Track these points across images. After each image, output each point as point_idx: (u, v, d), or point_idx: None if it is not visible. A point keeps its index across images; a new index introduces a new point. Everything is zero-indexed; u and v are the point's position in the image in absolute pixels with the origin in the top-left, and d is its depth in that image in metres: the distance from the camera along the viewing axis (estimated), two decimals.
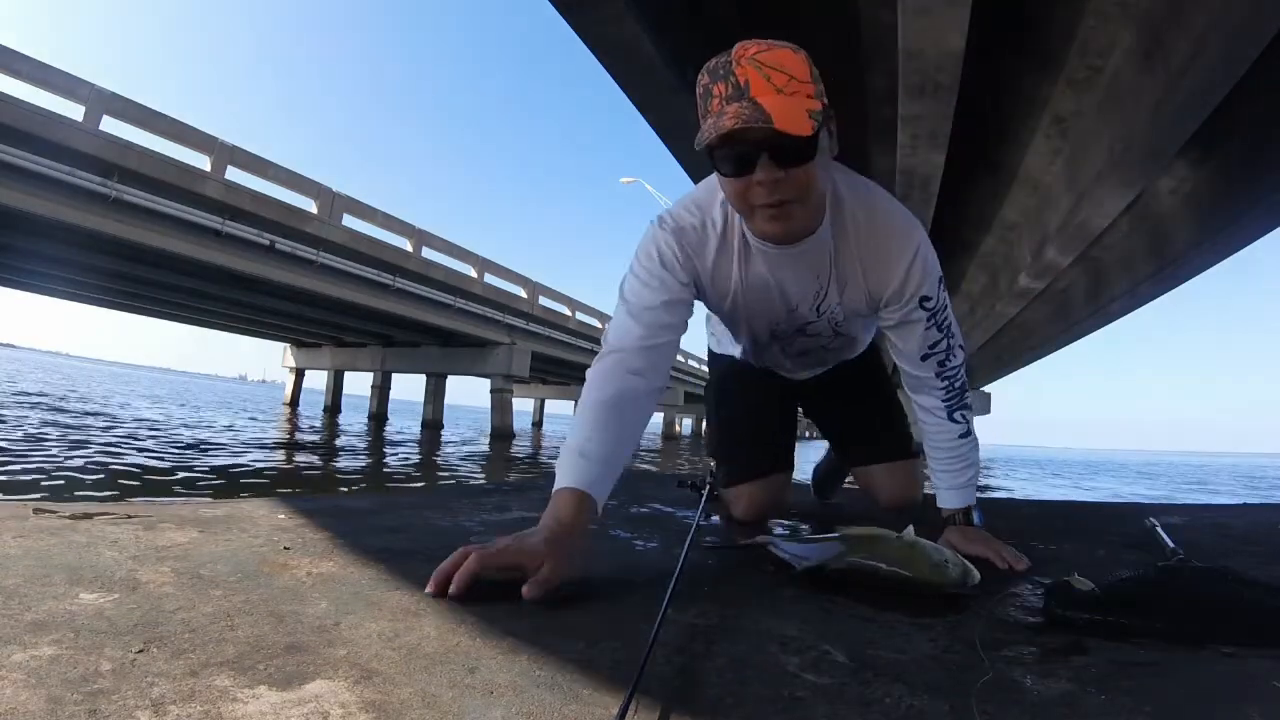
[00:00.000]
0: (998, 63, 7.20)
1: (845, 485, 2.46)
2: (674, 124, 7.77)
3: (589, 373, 1.39)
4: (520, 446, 21.62)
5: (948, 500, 1.60)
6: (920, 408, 1.62)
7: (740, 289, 1.51)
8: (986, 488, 17.10)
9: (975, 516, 1.58)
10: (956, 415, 1.56)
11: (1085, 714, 0.75)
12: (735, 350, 2.02)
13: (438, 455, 16.07)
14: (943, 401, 1.56)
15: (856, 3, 6.64)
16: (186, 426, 16.72)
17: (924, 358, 1.52)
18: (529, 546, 1.08)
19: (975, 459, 1.60)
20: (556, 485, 1.24)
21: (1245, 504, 3.17)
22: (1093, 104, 7.69)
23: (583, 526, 1.20)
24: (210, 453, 11.58)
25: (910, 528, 1.31)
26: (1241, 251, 10.27)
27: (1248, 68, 5.34)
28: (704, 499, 1.62)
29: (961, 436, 1.57)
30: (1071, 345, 19.14)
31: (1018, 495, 14.72)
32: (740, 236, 1.44)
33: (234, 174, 15.36)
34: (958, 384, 1.56)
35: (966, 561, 1.23)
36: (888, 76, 6.74)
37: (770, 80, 1.13)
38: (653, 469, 16.42)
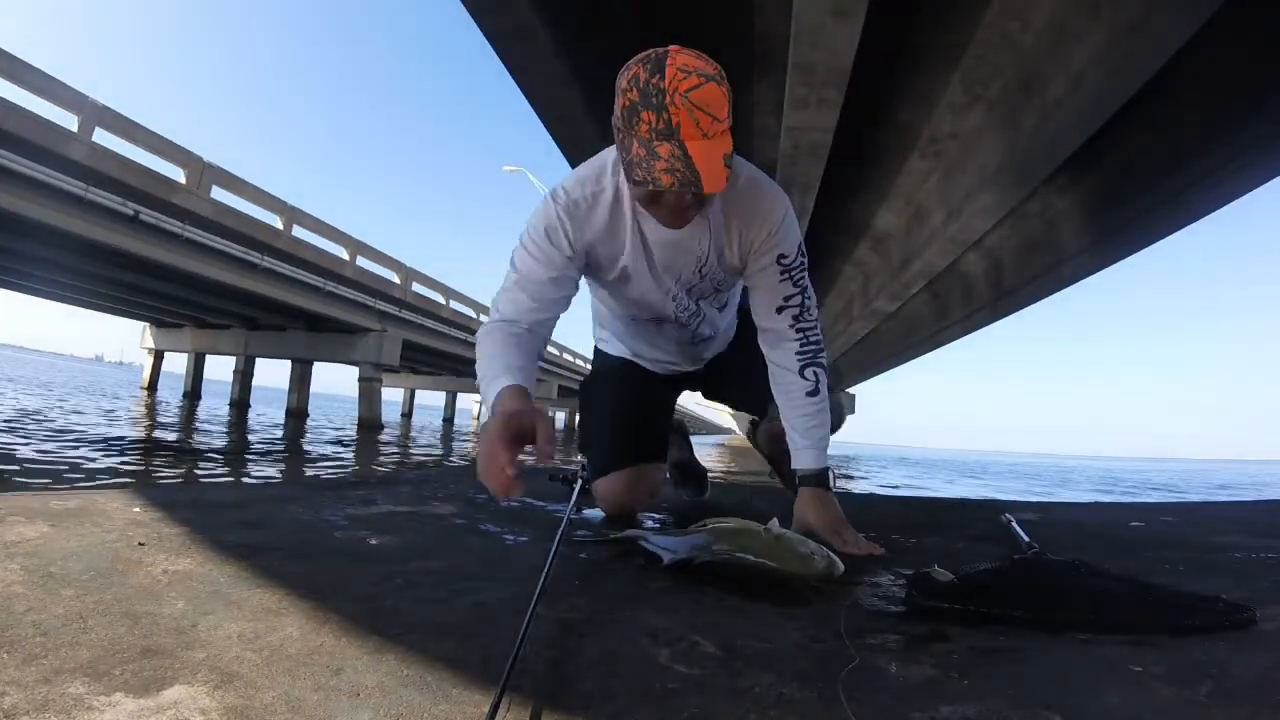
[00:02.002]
0: (880, 82, 7.51)
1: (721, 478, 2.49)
2: (561, 117, 7.76)
3: (481, 333, 1.52)
4: (389, 438, 21.06)
5: (800, 459, 1.65)
6: (774, 364, 1.69)
7: (631, 255, 1.60)
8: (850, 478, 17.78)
9: (830, 479, 1.65)
10: (807, 372, 1.63)
11: (948, 698, 0.78)
12: (623, 350, 2.08)
13: (302, 446, 15.47)
14: (796, 355, 1.63)
15: (752, 15, 6.81)
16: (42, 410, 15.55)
17: (779, 309, 1.62)
18: (520, 419, 1.22)
19: (826, 420, 1.66)
20: (495, 389, 1.35)
21: (1097, 502, 3.40)
22: (970, 128, 8.14)
23: (531, 404, 1.32)
24: (64, 439, 10.81)
25: (775, 520, 1.35)
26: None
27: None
28: (575, 493, 1.62)
29: (809, 394, 1.63)
30: (948, 350, 20.26)
31: (881, 493, 15.33)
32: (632, 206, 1.53)
33: (101, 136, 14.25)
34: (812, 339, 1.64)
35: (831, 553, 1.27)
36: (776, 88, 6.93)
37: (699, 125, 1.21)
38: (524, 462, 16.29)
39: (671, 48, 1.27)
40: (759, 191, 1.57)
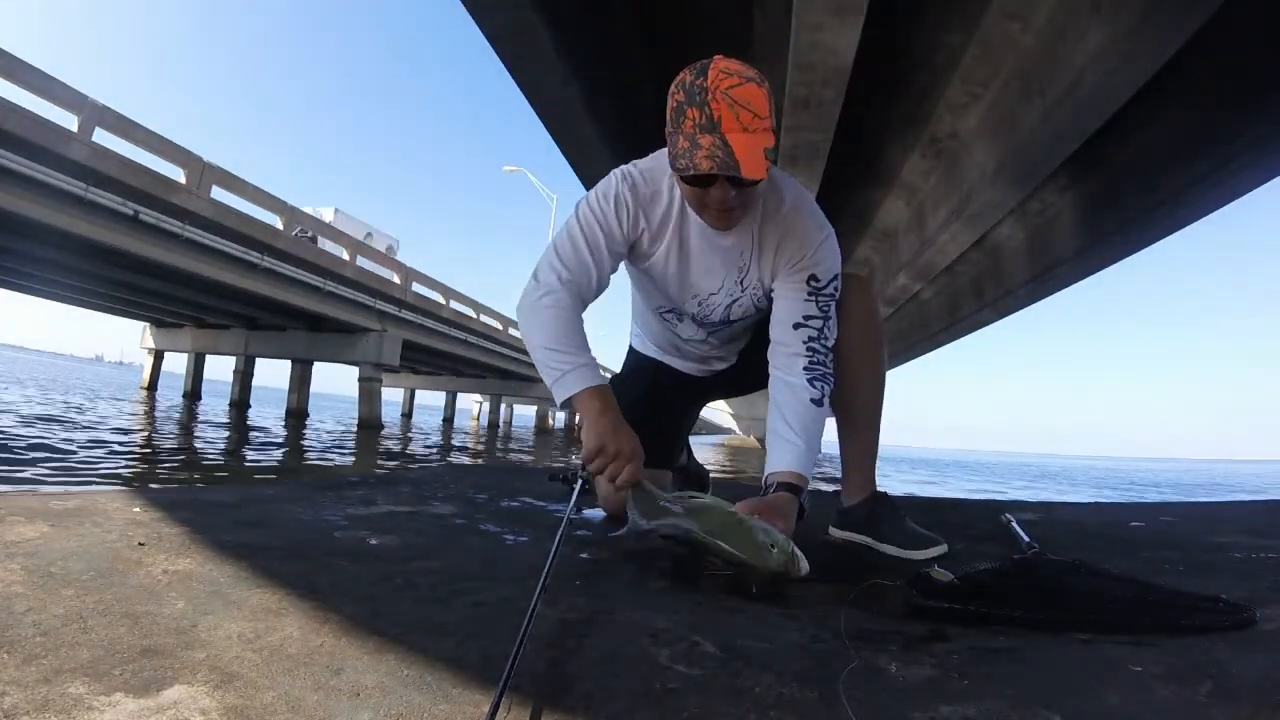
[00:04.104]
0: (880, 82, 7.51)
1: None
2: (561, 117, 7.75)
3: (545, 295, 1.57)
4: (389, 438, 21.04)
5: (781, 461, 1.55)
6: (778, 381, 1.64)
7: (675, 254, 1.67)
8: None
9: (804, 499, 1.52)
10: (815, 383, 1.58)
11: (948, 698, 0.78)
12: (649, 347, 2.09)
13: (302, 446, 15.44)
14: (804, 369, 1.59)
15: (752, 14, 6.81)
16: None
17: (796, 326, 1.61)
18: (625, 442, 1.42)
19: (818, 433, 1.60)
20: (576, 388, 1.48)
21: (1098, 502, 3.40)
22: (970, 128, 8.14)
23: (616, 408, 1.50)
24: (62, 437, 10.79)
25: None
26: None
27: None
28: (575, 493, 1.63)
29: (814, 401, 1.58)
30: (945, 351, 20.29)
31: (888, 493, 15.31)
32: (680, 209, 1.62)
33: (101, 136, 14.16)
34: (823, 362, 1.61)
35: (798, 551, 1.23)
36: (776, 88, 6.94)
37: (739, 118, 1.30)
38: (525, 463, 16.30)
39: (717, 56, 1.36)
40: (803, 216, 1.62)
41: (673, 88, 1.38)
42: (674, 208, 1.63)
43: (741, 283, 1.70)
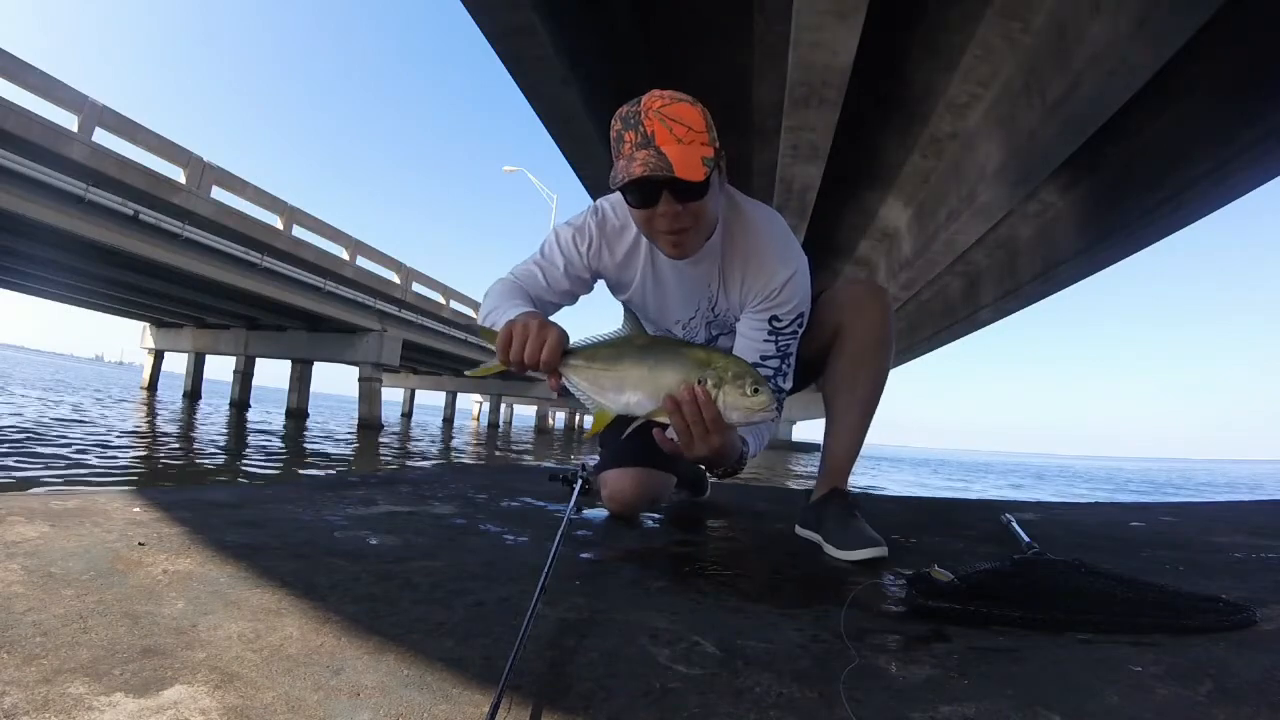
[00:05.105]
0: (880, 82, 7.51)
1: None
2: (561, 116, 7.75)
3: (495, 282, 1.69)
4: (389, 438, 21.05)
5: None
6: None
7: (647, 286, 1.74)
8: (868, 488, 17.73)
9: (746, 452, 1.59)
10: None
11: (949, 698, 0.78)
12: None
13: (302, 446, 15.45)
14: None
15: (752, 15, 6.81)
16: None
17: (752, 365, 1.58)
18: (533, 319, 1.30)
19: (766, 432, 1.69)
20: (512, 314, 1.40)
21: (1097, 502, 3.40)
22: (970, 128, 8.15)
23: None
24: (62, 438, 10.80)
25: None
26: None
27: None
28: (575, 493, 1.62)
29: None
30: (951, 349, 20.29)
31: (881, 492, 15.32)
32: (648, 246, 1.67)
33: (101, 136, 14.20)
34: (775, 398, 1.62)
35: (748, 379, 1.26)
36: (776, 88, 6.93)
37: (672, 131, 1.37)
38: (525, 462, 16.30)
39: (653, 89, 1.43)
40: (770, 248, 1.63)
41: (612, 120, 1.44)
42: (641, 244, 1.69)
43: (714, 309, 1.74)
